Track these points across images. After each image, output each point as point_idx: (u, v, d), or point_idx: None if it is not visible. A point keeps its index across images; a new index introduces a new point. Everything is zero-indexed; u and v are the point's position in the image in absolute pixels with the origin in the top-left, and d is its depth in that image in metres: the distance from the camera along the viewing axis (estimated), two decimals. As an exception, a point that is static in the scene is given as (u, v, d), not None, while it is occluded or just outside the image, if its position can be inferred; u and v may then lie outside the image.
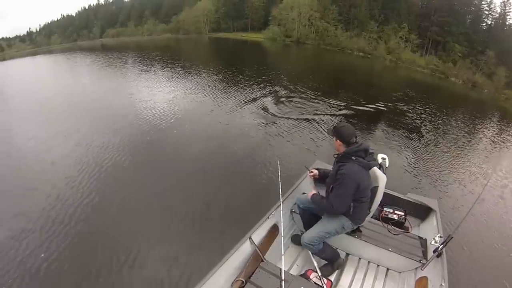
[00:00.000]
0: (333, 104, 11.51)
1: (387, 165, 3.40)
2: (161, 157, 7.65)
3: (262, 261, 2.93)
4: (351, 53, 35.59)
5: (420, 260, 2.84)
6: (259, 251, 2.98)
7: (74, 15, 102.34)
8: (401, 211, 3.34)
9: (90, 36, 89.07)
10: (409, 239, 3.09)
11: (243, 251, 2.99)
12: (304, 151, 7.58)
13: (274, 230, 3.31)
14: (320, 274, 2.65)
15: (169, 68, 20.49)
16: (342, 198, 2.61)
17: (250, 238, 3.06)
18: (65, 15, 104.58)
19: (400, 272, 3.02)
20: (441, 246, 2.62)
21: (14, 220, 5.34)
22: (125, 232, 5.01)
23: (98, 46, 53.30)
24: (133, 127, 9.54)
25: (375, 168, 2.72)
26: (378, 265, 3.15)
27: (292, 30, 44.13)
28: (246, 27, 52.75)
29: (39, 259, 4.53)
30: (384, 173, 2.78)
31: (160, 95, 13.08)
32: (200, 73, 18.36)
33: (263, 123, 9.54)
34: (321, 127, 9.02)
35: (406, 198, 3.64)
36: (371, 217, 3.08)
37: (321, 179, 3.42)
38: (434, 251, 2.68)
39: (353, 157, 2.58)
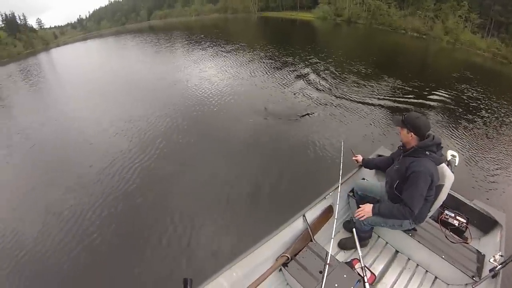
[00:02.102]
0: (387, 88, 11.64)
1: (456, 164, 3.22)
2: (216, 133, 8.23)
3: (311, 241, 2.98)
4: (405, 33, 34.35)
5: (473, 277, 2.64)
6: (310, 230, 3.02)
7: (121, 0, 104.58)
8: (463, 218, 3.15)
9: (138, 19, 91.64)
10: (466, 251, 2.86)
11: (295, 227, 3.05)
12: (367, 135, 7.71)
13: (328, 212, 3.33)
14: (364, 265, 2.50)
15: (219, 47, 21.37)
16: (419, 199, 2.50)
17: (303, 216, 3.12)
18: (112, 1, 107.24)
19: (448, 284, 2.88)
20: (499, 266, 2.43)
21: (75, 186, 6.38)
22: (182, 202, 5.54)
23: (146, 28, 55.24)
24: (186, 105, 10.49)
25: (443, 165, 2.61)
26: (426, 271, 3.03)
27: (343, 9, 43.07)
28: (295, 6, 52.00)
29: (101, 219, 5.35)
30: (452, 172, 2.68)
31: (215, 74, 14.11)
32: (251, 52, 19.35)
33: (322, 103, 9.89)
34: (381, 113, 9.14)
35: (471, 205, 3.34)
36: (430, 217, 2.97)
37: (366, 165, 3.48)
38: (491, 270, 2.49)
39: (426, 152, 2.48)
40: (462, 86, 13.33)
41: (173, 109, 10.05)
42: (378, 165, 3.38)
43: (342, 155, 3.52)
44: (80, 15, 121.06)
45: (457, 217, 3.15)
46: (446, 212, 3.19)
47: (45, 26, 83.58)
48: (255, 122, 8.79)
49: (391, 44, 27.70)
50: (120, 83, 14.83)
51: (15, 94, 16.46)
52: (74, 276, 4.27)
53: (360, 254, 2.52)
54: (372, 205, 2.79)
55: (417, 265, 3.09)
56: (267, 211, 5.04)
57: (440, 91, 11.73)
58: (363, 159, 3.49)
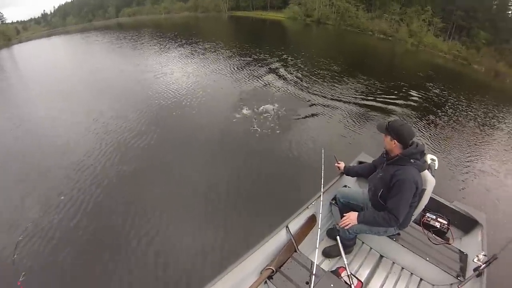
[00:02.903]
0: (358, 88, 11.63)
1: (436, 167, 3.16)
2: (187, 136, 7.75)
3: (296, 251, 2.93)
4: (372, 34, 35.06)
5: (458, 276, 2.70)
6: (294, 241, 2.97)
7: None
8: (444, 220, 3.21)
9: (105, 16, 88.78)
10: (449, 251, 2.93)
11: (278, 239, 2.99)
12: (348, 139, 7.56)
13: (311, 221, 3.29)
14: (350, 273, 2.55)
15: (189, 46, 20.86)
16: (404, 207, 2.50)
17: (287, 226, 3.06)
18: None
19: (433, 285, 2.92)
20: (483, 266, 2.48)
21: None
22: (160, 208, 5.14)
23: (114, 25, 53.48)
24: (155, 104, 9.94)
25: (426, 171, 2.62)
26: (412, 273, 3.06)
27: (312, 10, 43.44)
28: (265, 6, 52.10)
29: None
30: (433, 176, 2.69)
31: (186, 73, 13.51)
32: (222, 51, 18.80)
33: (302, 103, 9.65)
34: (356, 114, 9.04)
35: (452, 206, 3.43)
36: (412, 221, 2.97)
37: (348, 172, 3.45)
38: (475, 270, 2.55)
39: (411, 160, 2.47)
40: (428, 85, 13.73)
41: (141, 109, 9.49)
42: (360, 173, 3.34)
43: (323, 163, 3.50)
44: (44, 10, 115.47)
45: (439, 219, 3.21)
46: (428, 214, 3.23)
47: (7, 21, 79.24)
48: (228, 125, 8.37)
49: (360, 45, 28.21)
50: (86, 82, 13.79)
51: None
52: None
53: (346, 262, 2.60)
54: (357, 213, 2.75)
55: (402, 268, 3.11)
56: (246, 222, 4.84)
57: (410, 91, 12.03)
58: (344, 167, 3.46)
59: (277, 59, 15.98)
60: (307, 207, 3.25)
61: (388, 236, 2.99)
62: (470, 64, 25.70)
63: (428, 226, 3.17)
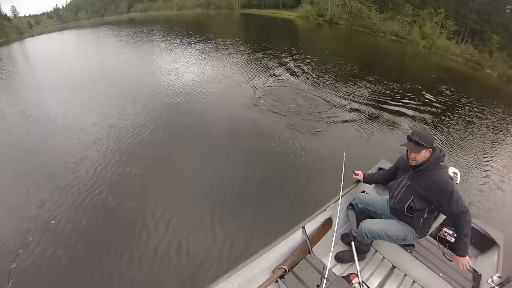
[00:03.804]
0: (372, 89, 11.76)
1: (458, 181, 2.99)
2: (203, 133, 7.80)
3: (309, 253, 2.93)
4: (384, 36, 35.08)
5: None
6: (308, 243, 2.97)
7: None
8: None
9: (117, 11, 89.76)
10: (462, 269, 2.77)
11: (293, 239, 2.99)
12: (367, 144, 7.47)
13: (327, 224, 3.28)
14: (361, 280, 2.53)
15: (200, 43, 21.03)
16: (460, 200, 2.41)
17: (303, 227, 3.05)
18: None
19: None
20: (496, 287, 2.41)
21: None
22: (169, 208, 5.17)
23: (126, 20, 53.90)
24: (167, 100, 10.10)
25: None
26: None
27: (325, 10, 43.43)
28: (277, 4, 52.20)
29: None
30: None
31: (200, 70, 13.66)
32: (233, 48, 18.97)
33: (317, 103, 9.60)
34: (376, 119, 8.94)
35: None
36: (428, 234, 2.93)
37: (368, 181, 3.42)
38: None
39: (440, 163, 2.51)
40: (440, 88, 13.78)
41: (152, 103, 9.68)
42: (379, 180, 3.32)
43: (343, 166, 3.48)
44: (56, 5, 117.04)
45: (455, 235, 3.01)
46: (445, 229, 3.13)
47: (20, 15, 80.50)
48: (245, 122, 8.48)
49: (372, 46, 28.21)
50: (97, 75, 14.13)
51: None
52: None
53: (358, 268, 2.57)
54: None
55: (414, 281, 3.05)
56: (262, 221, 4.88)
57: (423, 94, 12.03)
58: (364, 176, 3.42)
59: (290, 58, 16.19)
60: (325, 210, 3.25)
61: (403, 247, 2.98)
62: (482, 68, 25.62)
63: (444, 241, 3.05)
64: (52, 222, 4.89)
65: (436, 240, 3.08)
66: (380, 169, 3.94)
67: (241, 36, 24.75)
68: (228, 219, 4.92)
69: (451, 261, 2.76)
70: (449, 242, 3.01)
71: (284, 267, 2.70)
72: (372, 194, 3.61)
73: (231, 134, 7.82)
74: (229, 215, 5.01)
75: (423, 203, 2.57)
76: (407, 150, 2.65)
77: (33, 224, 4.91)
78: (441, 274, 2.77)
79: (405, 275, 3.11)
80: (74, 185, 5.85)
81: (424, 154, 2.49)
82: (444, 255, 2.91)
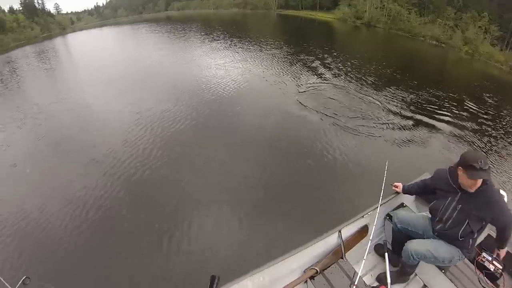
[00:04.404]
0: (416, 97, 11.80)
1: None
2: (243, 132, 8.29)
3: (342, 258, 2.93)
4: (424, 40, 34.25)
5: None
6: (342, 247, 2.97)
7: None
8: (500, 264, 2.88)
9: (155, 9, 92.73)
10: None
11: (328, 242, 3.00)
12: (410, 154, 7.41)
13: (363, 231, 3.25)
14: None
15: (244, 42, 21.71)
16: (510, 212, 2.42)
17: (339, 231, 3.05)
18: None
19: None
20: None
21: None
22: (206, 204, 5.57)
23: (163, 18, 55.71)
24: (204, 97, 10.66)
25: None
26: None
27: (363, 12, 42.97)
28: (314, 6, 52.16)
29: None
30: None
31: (240, 69, 14.39)
32: (275, 49, 19.74)
33: (357, 108, 9.86)
34: (417, 129, 8.93)
35: (510, 251, 3.02)
36: (466, 258, 2.82)
37: (407, 192, 3.38)
38: None
39: (487, 182, 2.42)
40: (484, 97, 13.62)
41: (190, 100, 10.34)
42: (418, 191, 3.28)
43: (385, 175, 3.44)
44: (97, 2, 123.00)
45: (494, 262, 2.90)
46: (484, 254, 2.95)
47: (62, 12, 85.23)
48: (286, 122, 8.96)
49: (411, 51, 28.13)
50: (134, 70, 15.24)
51: (30, 76, 17.23)
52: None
53: (389, 281, 2.53)
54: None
55: None
56: (298, 220, 5.06)
57: (465, 103, 11.94)
58: (403, 187, 3.40)
59: (329, 60, 16.92)
60: (362, 217, 3.23)
61: (438, 267, 2.91)
62: (528, 78, 24.64)
63: (481, 267, 2.90)
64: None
65: (474, 264, 2.94)
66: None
67: (281, 37, 25.46)
68: (266, 216, 5.22)
69: None
70: (486, 268, 2.87)
71: (315, 268, 2.75)
72: (411, 211, 3.56)
73: (275, 130, 8.36)
74: (267, 212, 5.33)
75: (478, 224, 2.51)
76: (448, 171, 2.66)
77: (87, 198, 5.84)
78: None
79: None
80: (116, 171, 6.72)
81: (478, 182, 2.40)
82: (479, 281, 2.80)
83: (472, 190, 2.44)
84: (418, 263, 2.86)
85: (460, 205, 2.55)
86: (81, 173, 6.79)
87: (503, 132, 10.00)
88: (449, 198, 2.62)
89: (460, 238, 2.58)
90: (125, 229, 5.18)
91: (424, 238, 2.89)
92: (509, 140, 9.41)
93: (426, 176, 3.59)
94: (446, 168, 2.73)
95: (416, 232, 2.99)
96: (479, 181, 2.37)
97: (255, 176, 6.40)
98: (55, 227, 5.34)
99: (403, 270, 2.96)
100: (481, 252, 2.97)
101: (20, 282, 2.46)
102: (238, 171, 6.63)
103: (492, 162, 7.63)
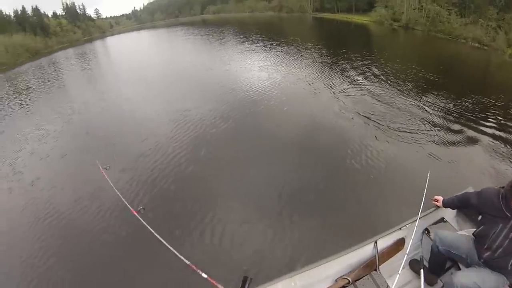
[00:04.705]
0: (456, 103, 11.47)
1: None
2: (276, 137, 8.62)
3: (375, 270, 2.88)
4: (465, 42, 33.52)
5: None
6: (377, 259, 2.92)
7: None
8: None
9: (191, 13, 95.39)
10: None
11: (363, 252, 2.96)
12: (454, 167, 7.14)
13: (399, 244, 3.19)
14: None
15: (282, 45, 22.48)
16: None
17: (375, 242, 3.01)
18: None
19: None
20: None
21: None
22: (236, 205, 5.81)
23: (199, 21, 57.11)
24: (238, 101, 11.35)
25: None
26: None
27: (400, 14, 42.46)
28: (350, 8, 52.23)
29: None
30: None
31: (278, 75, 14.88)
32: (315, 52, 20.39)
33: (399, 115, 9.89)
34: (458, 139, 8.69)
35: None
36: None
37: (448, 205, 3.29)
38: None
39: None
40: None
41: (214, 108, 10.94)
42: (459, 205, 3.21)
43: (426, 187, 3.42)
44: (134, 7, 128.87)
45: None
46: None
47: (102, 16, 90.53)
48: (325, 125, 9.39)
49: (452, 54, 28.04)
50: (171, 73, 16.25)
51: (72, 76, 18.92)
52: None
53: None
54: None
55: None
56: (331, 227, 5.17)
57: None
58: (443, 201, 3.33)
59: (368, 64, 17.25)
60: (400, 229, 3.19)
61: None
62: None
63: None
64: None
65: None
66: None
67: (318, 41, 26.01)
68: (299, 221, 5.34)
69: None
70: None
71: (348, 278, 2.71)
72: (452, 227, 3.54)
73: (312, 134, 8.73)
74: (300, 217, 5.45)
75: None
76: (501, 194, 2.50)
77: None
78: None
79: None
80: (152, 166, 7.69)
81: None
82: None
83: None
84: None
85: None
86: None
87: None
88: (500, 225, 2.48)
89: (510, 268, 2.48)
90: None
91: (467, 262, 2.83)
92: None
93: (470, 190, 3.49)
94: (495, 188, 2.62)
95: (459, 256, 2.91)
96: None
97: (292, 178, 6.71)
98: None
99: None
100: None
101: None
102: (276, 172, 7.01)
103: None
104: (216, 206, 5.92)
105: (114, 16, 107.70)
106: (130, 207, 3.61)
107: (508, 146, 8.46)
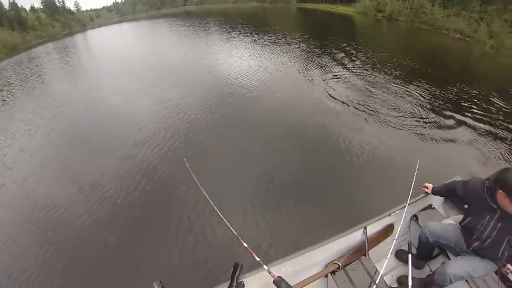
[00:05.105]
0: (440, 92, 11.58)
1: None
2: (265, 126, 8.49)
3: (365, 255, 2.95)
4: (448, 33, 33.74)
5: None
6: (366, 244, 2.99)
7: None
8: None
9: (173, 4, 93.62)
10: None
11: (353, 238, 3.02)
12: (441, 155, 7.16)
13: (388, 230, 3.26)
14: None
15: (269, 36, 22.06)
16: None
17: (365, 228, 3.07)
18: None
19: None
20: None
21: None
22: (227, 192, 5.77)
23: (182, 13, 56.17)
24: (221, 92, 11.03)
25: None
26: None
27: (384, 5, 42.37)
28: (334, -1, 51.82)
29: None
30: None
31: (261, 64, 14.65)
32: (302, 42, 20.20)
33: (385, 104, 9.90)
34: (445, 129, 8.75)
35: None
36: None
37: (437, 193, 3.34)
38: None
39: None
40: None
41: (208, 95, 10.77)
42: (446, 194, 3.26)
43: (415, 175, 3.47)
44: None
45: None
46: (509, 266, 2.82)
47: (82, 9, 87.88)
48: (314, 112, 9.25)
49: (435, 44, 27.97)
50: (151, 68, 15.79)
51: (52, 72, 18.20)
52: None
53: (410, 283, 2.48)
54: None
55: None
56: (323, 214, 5.19)
57: (493, 99, 11.72)
58: (432, 189, 3.38)
59: (354, 54, 17.17)
60: (389, 215, 3.24)
61: None
62: (558, 74, 23.93)
63: (504, 279, 2.81)
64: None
65: (497, 275, 2.84)
66: None
67: (303, 31, 25.69)
68: (292, 208, 5.36)
69: None
70: (509, 280, 2.80)
71: (338, 263, 2.79)
72: (439, 214, 3.58)
73: (300, 124, 8.60)
74: (292, 204, 5.47)
75: None
76: (486, 188, 2.50)
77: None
78: None
79: None
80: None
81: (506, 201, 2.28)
82: None
83: (509, 209, 2.34)
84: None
85: (500, 224, 2.45)
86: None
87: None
88: (487, 217, 2.51)
89: (500, 256, 2.56)
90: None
91: (456, 250, 2.90)
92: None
93: (457, 179, 3.56)
94: (481, 180, 2.62)
95: (448, 245, 2.99)
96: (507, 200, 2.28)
97: (282, 166, 6.65)
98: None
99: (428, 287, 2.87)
100: (506, 264, 2.82)
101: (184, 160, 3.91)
102: (265, 160, 6.94)
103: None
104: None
105: (95, 9, 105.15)
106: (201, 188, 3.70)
107: (494, 132, 8.79)
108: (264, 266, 2.44)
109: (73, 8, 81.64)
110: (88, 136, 9.08)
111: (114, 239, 5.19)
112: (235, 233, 2.73)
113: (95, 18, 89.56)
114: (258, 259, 2.49)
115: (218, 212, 3.10)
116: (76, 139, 9.10)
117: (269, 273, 2.32)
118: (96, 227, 5.50)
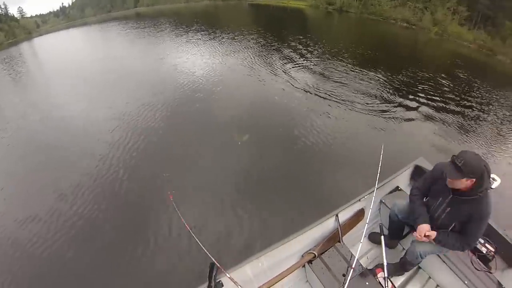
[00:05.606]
0: (390, 80, 11.74)
1: (492, 187, 2.74)
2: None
3: (339, 242, 2.98)
4: (395, 23, 34.69)
5: None
6: (340, 231, 3.02)
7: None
8: (492, 246, 2.96)
9: (124, 6, 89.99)
10: (488, 281, 2.74)
11: (326, 226, 3.07)
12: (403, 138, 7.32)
13: (359, 215, 3.33)
14: (387, 275, 2.47)
15: (209, 35, 21.50)
16: (479, 236, 2.47)
17: (336, 215, 3.12)
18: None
19: None
20: None
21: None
22: (195, 194, 5.44)
23: (133, 15, 54.32)
24: (176, 94, 10.21)
25: None
26: None
27: (334, -3, 43.25)
28: (286, -7, 51.93)
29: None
30: None
31: (212, 62, 14.00)
32: (250, 39, 19.51)
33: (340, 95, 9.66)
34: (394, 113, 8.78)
35: (503, 235, 3.09)
36: None
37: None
38: None
39: (488, 190, 2.28)
40: (455, 74, 14.05)
41: (163, 98, 9.94)
42: (428, 186, 2.88)
43: (381, 159, 3.45)
44: (62, 3, 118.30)
45: (486, 244, 2.98)
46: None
47: (27, 15, 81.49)
48: (274, 106, 8.94)
49: (383, 33, 28.37)
50: (105, 72, 14.63)
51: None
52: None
53: (385, 263, 2.53)
54: (435, 232, 2.52)
55: (437, 285, 3.04)
56: (294, 205, 5.07)
57: (438, 81, 12.37)
58: (436, 236, 2.91)
59: (305, 47, 16.79)
60: (359, 200, 3.31)
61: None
62: (495, 55, 25.43)
63: (474, 249, 2.93)
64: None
65: None
66: (417, 166, 3.91)
67: (256, 27, 25.07)
68: (263, 202, 5.18)
69: (478, 270, 2.79)
70: (479, 251, 2.94)
71: (313, 252, 2.80)
72: (406, 194, 3.53)
73: (266, 115, 8.37)
74: (264, 199, 5.29)
75: (464, 225, 2.47)
76: (444, 173, 2.41)
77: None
78: (466, 282, 2.74)
79: (430, 277, 3.11)
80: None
81: (464, 183, 2.25)
82: (472, 263, 2.84)
83: (449, 185, 2.39)
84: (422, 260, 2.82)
85: (448, 208, 2.51)
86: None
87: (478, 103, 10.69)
88: (440, 199, 2.58)
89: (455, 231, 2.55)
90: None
91: None
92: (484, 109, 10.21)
93: (422, 161, 3.95)
94: (444, 163, 2.49)
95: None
96: (456, 182, 2.28)
97: (247, 164, 6.35)
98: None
99: (404, 267, 2.95)
100: None
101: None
102: (229, 160, 6.55)
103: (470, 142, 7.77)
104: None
105: (41, 14, 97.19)
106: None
107: (445, 111, 9.31)
108: (242, 263, 2.49)
109: (17, 15, 74.87)
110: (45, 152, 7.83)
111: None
112: (196, 238, 2.70)
113: (41, 25, 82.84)
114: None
115: (180, 215, 3.06)
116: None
117: (246, 270, 2.49)
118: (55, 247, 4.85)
